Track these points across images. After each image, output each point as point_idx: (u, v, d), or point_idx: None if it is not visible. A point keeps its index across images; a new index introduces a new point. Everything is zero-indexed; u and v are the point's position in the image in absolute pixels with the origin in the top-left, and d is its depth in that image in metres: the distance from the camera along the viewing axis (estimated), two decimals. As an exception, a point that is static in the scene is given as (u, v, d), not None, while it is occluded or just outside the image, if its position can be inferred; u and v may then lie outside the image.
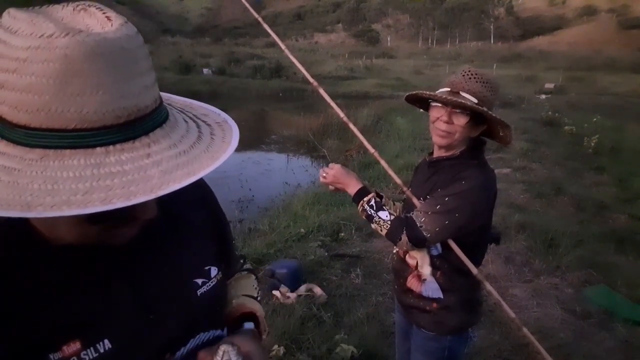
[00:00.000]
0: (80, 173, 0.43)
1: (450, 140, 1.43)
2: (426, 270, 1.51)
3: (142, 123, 0.48)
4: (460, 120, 1.39)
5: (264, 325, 0.81)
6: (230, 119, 0.60)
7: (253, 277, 0.91)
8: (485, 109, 1.36)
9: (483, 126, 1.45)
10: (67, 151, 0.44)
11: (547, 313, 3.19)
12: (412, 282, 1.55)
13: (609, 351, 2.80)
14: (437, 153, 1.53)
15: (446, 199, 1.38)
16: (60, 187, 0.43)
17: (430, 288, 1.51)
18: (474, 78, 1.40)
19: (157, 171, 0.47)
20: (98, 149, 0.45)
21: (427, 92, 1.45)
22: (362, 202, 1.48)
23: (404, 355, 1.80)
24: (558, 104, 15.00)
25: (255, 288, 0.89)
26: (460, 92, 1.38)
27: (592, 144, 8.18)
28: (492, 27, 76.78)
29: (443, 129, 1.42)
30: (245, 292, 0.85)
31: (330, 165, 1.57)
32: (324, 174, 1.55)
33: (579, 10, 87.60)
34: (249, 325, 0.77)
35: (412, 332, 1.65)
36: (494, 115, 1.37)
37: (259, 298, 0.87)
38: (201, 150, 0.52)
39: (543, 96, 19.27)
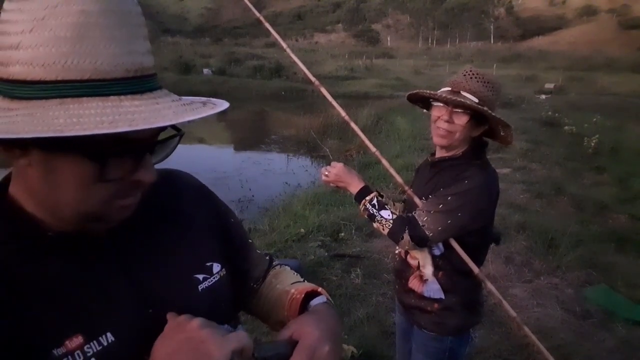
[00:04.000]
0: (101, 111, 0.46)
1: (451, 140, 1.44)
2: (428, 270, 1.51)
3: (147, 81, 0.52)
4: (461, 120, 1.39)
5: (329, 297, 0.79)
6: (213, 98, 0.63)
7: (288, 267, 0.91)
8: (485, 108, 1.36)
9: (484, 126, 1.45)
10: (84, 98, 0.47)
11: (547, 313, 3.19)
12: (413, 283, 1.55)
13: (609, 351, 2.80)
14: (439, 153, 1.53)
15: (449, 198, 1.38)
16: (86, 120, 0.45)
17: (432, 289, 1.51)
18: (475, 78, 1.40)
19: (170, 112, 0.50)
20: (112, 97, 0.48)
21: (429, 91, 1.45)
22: (364, 201, 1.48)
23: (405, 356, 1.80)
24: (558, 104, 15.01)
25: (297, 275, 0.88)
26: (461, 92, 1.39)
27: (592, 144, 8.18)
28: (492, 27, 76.80)
29: (444, 127, 1.42)
30: (293, 281, 0.84)
31: (333, 163, 1.57)
32: (326, 173, 1.55)
33: (579, 10, 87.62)
34: (318, 300, 0.75)
35: (413, 332, 1.65)
36: (494, 114, 1.37)
37: (305, 282, 0.86)
38: (199, 106, 0.55)
39: (543, 96, 19.28)
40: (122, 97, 0.48)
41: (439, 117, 1.43)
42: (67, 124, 0.44)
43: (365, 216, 1.50)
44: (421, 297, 1.54)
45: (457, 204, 1.37)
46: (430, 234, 1.38)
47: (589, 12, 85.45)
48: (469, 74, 1.41)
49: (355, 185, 1.51)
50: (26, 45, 0.46)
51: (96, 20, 0.47)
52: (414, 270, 1.55)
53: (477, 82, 1.40)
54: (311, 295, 0.77)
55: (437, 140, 1.48)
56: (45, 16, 0.45)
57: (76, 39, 0.46)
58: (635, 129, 10.31)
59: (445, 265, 1.49)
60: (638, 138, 9.06)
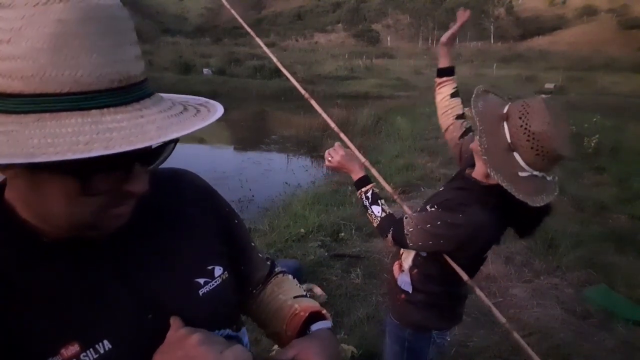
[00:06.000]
0: (79, 129, 0.44)
1: (474, 144, 1.36)
2: (406, 263, 1.56)
3: (133, 90, 0.49)
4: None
5: (331, 322, 0.79)
6: (211, 100, 0.61)
7: (290, 276, 0.90)
8: (486, 157, 1.23)
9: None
10: (63, 113, 0.45)
11: (547, 313, 3.19)
12: (395, 267, 1.62)
13: (609, 351, 2.80)
14: (475, 171, 1.43)
15: (438, 222, 1.36)
16: (61, 140, 0.43)
17: (404, 280, 1.56)
18: (523, 127, 1.22)
19: (154, 127, 0.48)
20: (93, 110, 0.45)
21: (475, 112, 1.31)
22: (360, 191, 1.53)
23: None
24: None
25: (300, 287, 0.87)
26: (504, 123, 1.25)
27: (592, 144, 8.17)
28: (492, 27, 76.78)
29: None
30: (296, 294, 0.83)
31: (336, 146, 1.58)
32: (330, 158, 1.57)
33: (579, 10, 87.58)
34: (322, 324, 0.75)
35: (387, 317, 1.71)
36: (492, 170, 1.22)
37: (308, 295, 0.85)
38: (190, 116, 0.53)
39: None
40: (105, 110, 0.46)
41: None
42: (40, 145, 0.42)
43: (360, 204, 1.55)
44: (395, 283, 1.59)
45: (443, 232, 1.35)
46: (410, 244, 1.41)
47: (589, 12, 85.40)
48: (524, 110, 1.23)
49: (355, 173, 1.55)
50: (4, 56, 0.44)
51: (75, 30, 0.44)
52: (398, 257, 1.62)
53: (520, 125, 1.22)
54: (315, 315, 0.76)
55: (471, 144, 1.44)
56: (22, 26, 0.43)
57: (54, 50, 0.43)
58: (635, 129, 10.30)
59: (422, 266, 1.51)
60: (638, 138, 9.05)
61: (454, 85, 1.68)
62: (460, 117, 1.67)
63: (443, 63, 1.68)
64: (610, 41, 59.40)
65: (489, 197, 1.33)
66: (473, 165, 1.44)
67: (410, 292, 1.54)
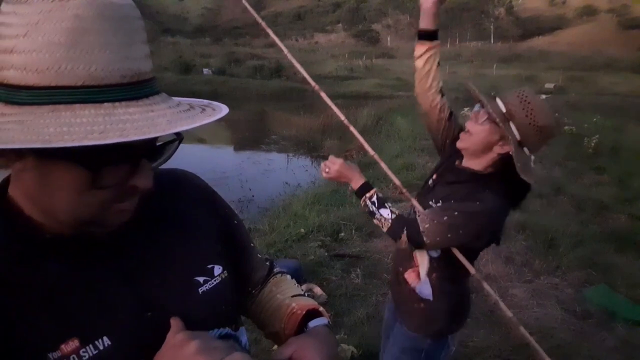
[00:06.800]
0: (93, 119, 0.46)
1: (468, 143, 1.40)
2: (423, 270, 1.51)
3: (143, 86, 0.51)
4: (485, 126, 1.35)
5: (329, 319, 0.79)
6: (215, 102, 0.63)
7: (289, 276, 0.90)
8: (510, 139, 1.28)
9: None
10: (77, 105, 0.46)
11: (547, 313, 3.19)
12: (410, 275, 1.56)
13: (609, 351, 2.80)
14: (467, 162, 1.46)
15: (455, 213, 1.35)
16: (76, 129, 0.45)
17: (424, 288, 1.52)
18: (529, 117, 1.30)
19: (164, 120, 0.50)
20: (106, 104, 0.47)
21: (483, 100, 1.36)
22: (364, 197, 1.49)
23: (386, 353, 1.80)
24: (558, 104, 15.00)
25: (297, 286, 0.88)
26: (511, 122, 1.31)
27: (592, 144, 8.18)
28: (492, 27, 76.80)
29: (468, 128, 1.39)
30: (293, 293, 0.83)
31: (331, 158, 1.54)
32: (326, 170, 1.54)
33: (579, 10, 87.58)
34: (319, 321, 0.75)
35: (395, 327, 1.66)
36: (517, 159, 1.29)
37: (306, 295, 0.85)
38: (197, 113, 0.55)
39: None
40: (117, 103, 0.48)
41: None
42: (56, 133, 0.44)
43: (366, 211, 1.50)
44: (411, 291, 1.54)
45: (462, 222, 1.35)
46: (428, 241, 1.38)
47: (589, 12, 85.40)
48: (527, 108, 1.29)
49: (356, 181, 1.51)
50: (20, 49, 0.45)
51: (91, 26, 0.46)
52: (415, 264, 1.55)
53: (529, 123, 1.29)
54: (312, 313, 0.77)
55: (458, 143, 1.44)
56: (40, 21, 0.45)
57: (70, 45, 0.45)
58: (635, 129, 10.32)
59: (440, 268, 1.49)
60: (638, 138, 9.06)
61: (436, 51, 1.49)
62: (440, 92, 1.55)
63: (427, 24, 1.44)
64: (610, 41, 59.42)
65: (494, 184, 1.39)
66: (460, 157, 1.48)
67: (431, 299, 1.51)
